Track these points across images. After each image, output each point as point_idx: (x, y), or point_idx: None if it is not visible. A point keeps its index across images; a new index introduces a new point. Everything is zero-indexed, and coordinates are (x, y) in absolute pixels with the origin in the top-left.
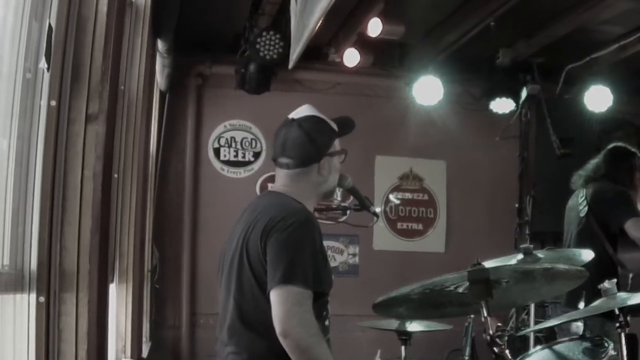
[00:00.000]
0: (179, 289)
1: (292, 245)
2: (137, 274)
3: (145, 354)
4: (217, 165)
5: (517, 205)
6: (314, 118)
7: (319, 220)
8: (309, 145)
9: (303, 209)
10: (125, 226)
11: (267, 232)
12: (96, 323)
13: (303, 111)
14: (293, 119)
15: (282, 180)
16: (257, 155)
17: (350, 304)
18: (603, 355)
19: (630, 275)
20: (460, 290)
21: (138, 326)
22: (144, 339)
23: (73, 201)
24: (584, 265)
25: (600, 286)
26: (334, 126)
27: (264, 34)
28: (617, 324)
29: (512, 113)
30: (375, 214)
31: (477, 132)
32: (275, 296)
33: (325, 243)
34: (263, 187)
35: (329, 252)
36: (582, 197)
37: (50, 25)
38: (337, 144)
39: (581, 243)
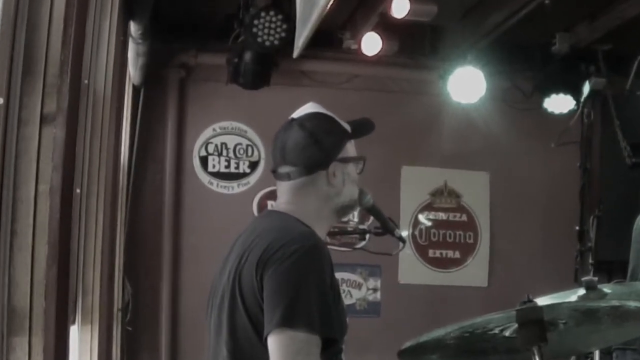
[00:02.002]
0: (157, 332)
1: (294, 279)
2: (105, 314)
3: None
4: (205, 178)
5: (577, 227)
6: (319, 115)
7: (331, 247)
8: (312, 148)
9: (309, 233)
10: (90, 254)
11: (264, 263)
12: None
13: (305, 109)
14: (293, 119)
15: (284, 196)
16: (253, 165)
17: (370, 351)
18: None
19: None
20: (507, 333)
21: None
22: None
23: (24, 223)
24: None
25: None
26: (346, 126)
27: (263, 14)
28: None
29: (571, 113)
30: (401, 239)
31: (527, 136)
32: (273, 343)
33: (339, 275)
34: (262, 205)
35: (344, 287)
36: None
37: None
38: (351, 149)
39: None
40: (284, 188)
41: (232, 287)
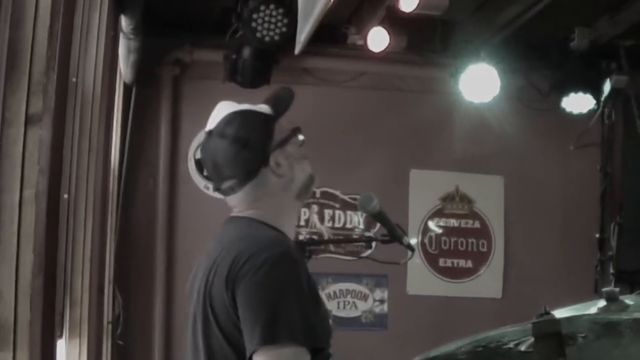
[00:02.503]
0: (150, 346)
1: (269, 292)
2: (94, 327)
3: None
4: (200, 182)
5: (598, 235)
6: (234, 115)
7: (335, 256)
8: (243, 152)
9: (277, 239)
10: (79, 264)
11: (233, 279)
12: None
13: (217, 114)
14: (210, 132)
15: (241, 205)
16: None
17: None
18: None
19: None
20: (523, 348)
21: None
22: None
23: (9, 230)
24: None
25: None
26: (266, 110)
27: (262, 8)
28: None
29: (591, 113)
30: (409, 247)
31: (544, 138)
32: None
33: (345, 286)
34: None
35: (348, 298)
36: None
37: None
38: (281, 128)
39: None
40: (235, 200)
41: (203, 307)
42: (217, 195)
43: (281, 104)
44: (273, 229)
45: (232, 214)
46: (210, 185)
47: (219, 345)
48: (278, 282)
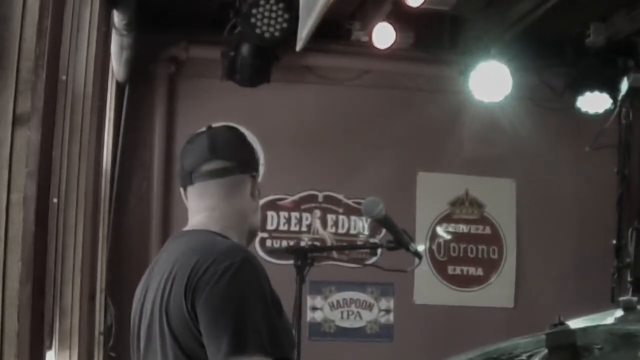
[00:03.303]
0: None
1: (233, 301)
2: (85, 338)
3: None
4: None
5: (614, 241)
6: (237, 128)
7: (339, 264)
8: (245, 146)
9: (237, 246)
10: (69, 272)
11: (193, 290)
12: None
13: (215, 124)
14: (211, 126)
15: (207, 201)
16: None
17: None
18: None
19: None
20: None
21: None
22: None
23: None
24: None
25: None
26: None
27: (262, 2)
28: None
29: (607, 113)
30: (416, 254)
31: (558, 139)
32: None
33: (349, 294)
34: (261, 215)
35: (352, 308)
36: None
37: None
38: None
39: None
40: (208, 191)
41: (159, 326)
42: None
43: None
44: (227, 239)
45: (184, 229)
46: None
47: None
48: (241, 291)
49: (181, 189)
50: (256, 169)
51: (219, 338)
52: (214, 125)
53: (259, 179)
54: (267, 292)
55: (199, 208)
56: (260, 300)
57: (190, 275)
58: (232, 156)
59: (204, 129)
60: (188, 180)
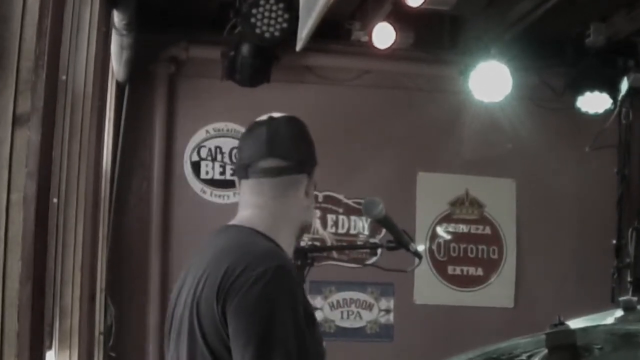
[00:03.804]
0: (143, 358)
1: (263, 311)
2: (85, 338)
3: None
4: (197, 185)
5: (614, 241)
6: (299, 119)
7: (339, 264)
8: (305, 145)
9: (273, 251)
10: (69, 272)
11: (225, 292)
12: None
13: (277, 114)
14: (272, 117)
15: (253, 201)
16: None
17: None
18: None
19: None
20: None
21: None
22: None
23: None
24: None
25: None
26: None
27: (262, 2)
28: None
29: (607, 113)
30: (416, 254)
31: (558, 139)
32: None
33: (349, 295)
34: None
35: (353, 308)
36: None
37: None
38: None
39: None
40: (259, 188)
41: (189, 319)
42: (215, 199)
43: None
44: (270, 241)
45: (230, 222)
46: (208, 189)
47: None
48: (272, 299)
49: (235, 179)
50: (313, 167)
51: (246, 346)
52: (275, 115)
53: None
54: (299, 302)
55: (249, 203)
56: (291, 311)
57: (223, 278)
58: (290, 155)
59: (265, 117)
60: (243, 173)
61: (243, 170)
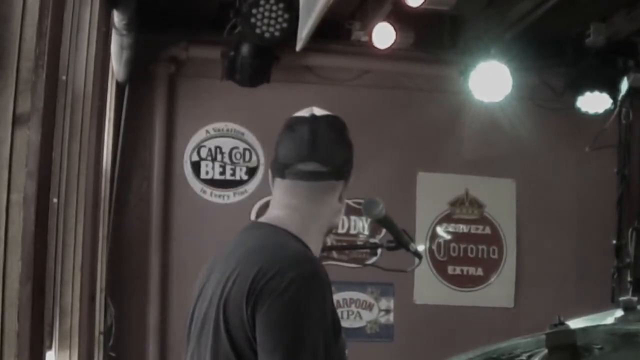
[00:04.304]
0: (143, 358)
1: (294, 316)
2: (85, 338)
3: None
4: (197, 186)
5: (614, 241)
6: (340, 119)
7: (339, 264)
8: (346, 151)
9: (306, 256)
10: (69, 272)
11: (256, 296)
12: None
13: (318, 110)
14: (315, 115)
15: (287, 201)
16: (251, 172)
17: None
18: None
19: None
20: None
21: None
22: None
23: None
24: None
25: None
26: None
27: (262, 2)
28: None
29: (607, 113)
30: (417, 254)
31: (558, 139)
32: None
33: (349, 295)
34: (261, 216)
35: (352, 308)
36: None
37: None
38: None
39: None
40: (297, 190)
41: (215, 317)
42: (215, 199)
43: None
44: (302, 243)
45: (260, 219)
46: (208, 189)
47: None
48: (304, 306)
49: (270, 175)
50: (350, 172)
51: (273, 352)
52: (317, 113)
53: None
54: (328, 311)
55: (283, 203)
56: (321, 320)
57: (255, 279)
58: (330, 160)
59: (306, 114)
60: (280, 173)
61: (280, 170)
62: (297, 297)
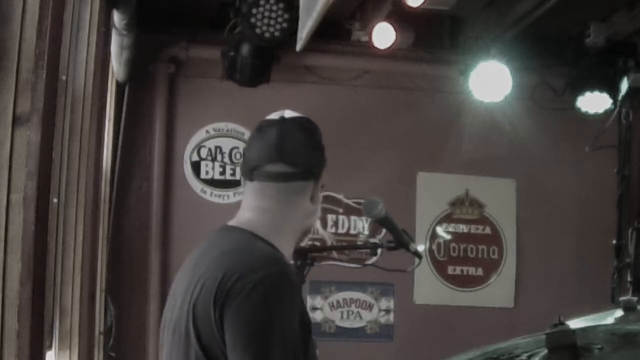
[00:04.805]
0: (143, 358)
1: (262, 316)
2: (85, 338)
3: None
4: (197, 186)
5: (614, 241)
6: (311, 121)
7: (339, 264)
8: (315, 152)
9: (274, 257)
10: (69, 272)
11: (223, 298)
12: None
13: (289, 112)
14: (284, 118)
15: (257, 204)
16: None
17: None
18: None
19: None
20: None
21: None
22: None
23: None
24: None
25: None
26: None
27: (262, 2)
28: None
29: (607, 113)
30: (417, 254)
31: (558, 139)
32: None
33: (349, 295)
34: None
35: (353, 308)
36: None
37: None
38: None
39: None
40: (265, 192)
41: (185, 324)
42: (215, 199)
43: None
44: (271, 246)
45: (230, 223)
46: (208, 189)
47: None
48: (272, 307)
49: (241, 179)
50: (320, 172)
51: (243, 353)
52: (287, 115)
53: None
54: (297, 310)
55: (252, 206)
56: (290, 320)
57: (221, 282)
58: (298, 161)
59: (276, 117)
60: (249, 175)
61: (249, 172)
62: (265, 297)
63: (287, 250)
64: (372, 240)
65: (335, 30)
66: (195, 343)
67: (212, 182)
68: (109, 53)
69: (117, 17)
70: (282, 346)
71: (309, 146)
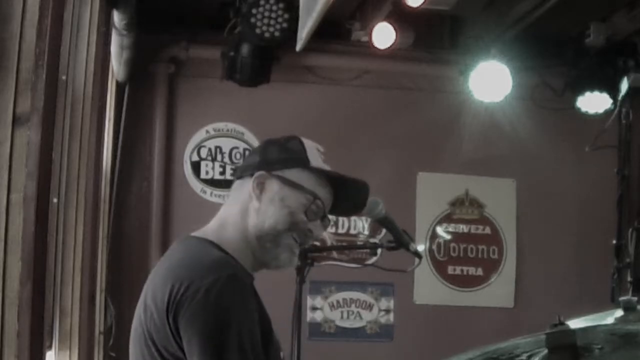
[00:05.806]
0: None
1: (215, 323)
2: (85, 338)
3: None
4: (197, 186)
5: (614, 241)
6: (295, 137)
7: (338, 264)
8: (255, 154)
9: (223, 261)
10: (69, 272)
11: (175, 306)
12: None
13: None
14: (266, 141)
15: (223, 210)
16: None
17: None
18: None
19: None
20: None
21: None
22: None
23: None
24: None
25: None
26: (315, 161)
27: (262, 2)
28: None
29: (607, 113)
30: (417, 253)
31: (558, 139)
32: None
33: (349, 295)
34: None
35: (352, 308)
36: None
37: None
38: (308, 182)
39: None
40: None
41: (145, 337)
42: (215, 199)
43: (336, 183)
44: (222, 251)
45: (192, 233)
46: (208, 189)
47: None
48: (222, 310)
49: None
50: (260, 166)
51: (200, 357)
52: (270, 139)
53: (296, 186)
54: (252, 311)
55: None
56: (245, 322)
57: (172, 291)
58: (242, 165)
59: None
60: None
61: None
62: (215, 300)
63: (241, 256)
64: (372, 240)
65: (335, 30)
66: (155, 354)
67: (212, 182)
68: (109, 53)
69: (117, 17)
70: (239, 348)
71: (253, 152)
